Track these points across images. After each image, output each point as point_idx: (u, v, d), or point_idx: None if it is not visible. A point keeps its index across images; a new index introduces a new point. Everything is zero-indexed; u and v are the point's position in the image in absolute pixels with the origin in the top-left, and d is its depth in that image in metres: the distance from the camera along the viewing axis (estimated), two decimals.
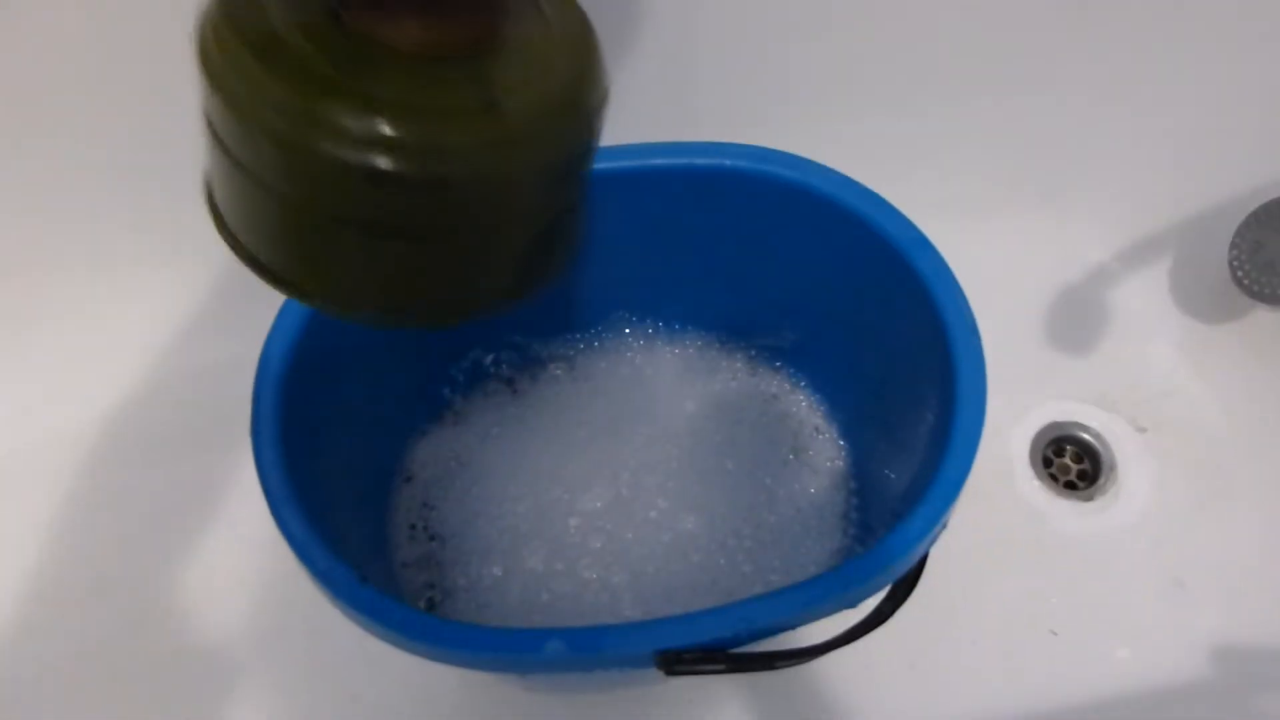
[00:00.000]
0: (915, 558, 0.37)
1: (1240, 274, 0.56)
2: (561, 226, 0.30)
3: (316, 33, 0.25)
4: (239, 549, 0.56)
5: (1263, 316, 0.60)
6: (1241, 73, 0.59)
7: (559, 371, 0.56)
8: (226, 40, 0.25)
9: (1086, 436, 0.62)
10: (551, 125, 0.27)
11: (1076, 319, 0.65)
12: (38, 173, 0.57)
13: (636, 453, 0.54)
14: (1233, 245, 0.56)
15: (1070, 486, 0.61)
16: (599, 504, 0.52)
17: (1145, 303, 0.65)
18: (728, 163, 0.44)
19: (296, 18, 0.25)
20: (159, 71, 0.54)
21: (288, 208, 0.26)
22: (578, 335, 0.56)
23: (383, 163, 0.24)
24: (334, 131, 0.24)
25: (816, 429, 0.56)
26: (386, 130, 0.24)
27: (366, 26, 0.25)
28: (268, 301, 0.45)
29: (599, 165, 0.30)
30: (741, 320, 0.55)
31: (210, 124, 0.26)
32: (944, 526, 0.37)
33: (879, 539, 0.36)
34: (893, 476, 0.48)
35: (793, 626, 0.37)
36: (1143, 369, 0.64)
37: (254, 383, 0.39)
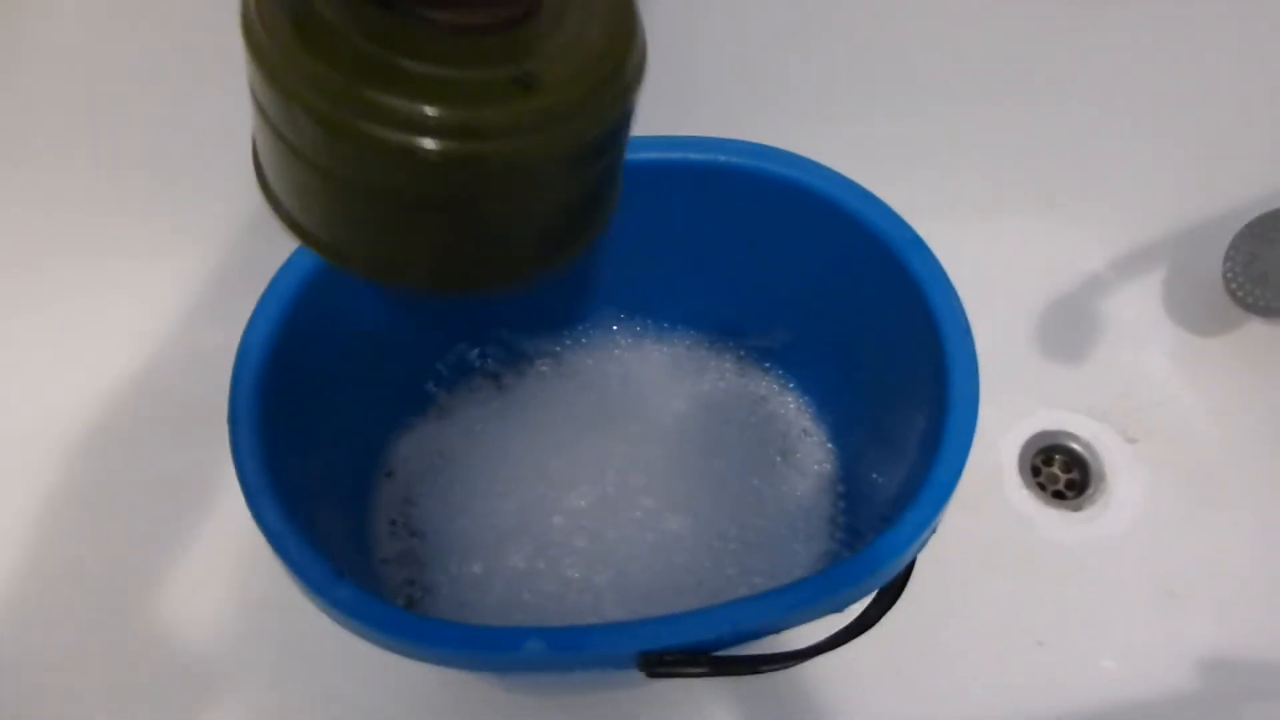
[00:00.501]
0: (903, 563, 0.37)
1: (1234, 286, 0.55)
2: (599, 191, 0.31)
3: (358, 9, 0.25)
4: (222, 543, 0.55)
5: (1256, 328, 0.60)
6: (1240, 87, 0.59)
7: (545, 368, 0.55)
8: (269, 15, 0.25)
9: (1076, 446, 0.62)
10: (590, 97, 0.26)
11: (1069, 327, 0.65)
12: (31, 160, 0.56)
13: (623, 451, 0.53)
14: (1227, 257, 0.56)
15: (1058, 496, 0.61)
16: (584, 502, 0.51)
17: (1139, 312, 0.65)
18: (723, 159, 0.44)
19: None
20: (154, 61, 0.53)
21: (329, 180, 0.27)
22: (564, 331, 0.56)
23: (423, 143, 0.24)
24: (373, 111, 0.24)
25: (805, 431, 0.55)
26: (426, 110, 0.24)
27: (407, 2, 0.25)
28: (260, 291, 0.44)
29: None
30: (732, 319, 0.55)
31: (254, 95, 0.26)
32: (933, 531, 0.37)
33: (867, 543, 0.36)
34: (881, 480, 0.48)
35: (778, 630, 0.36)
36: (1135, 378, 0.64)
37: (232, 371, 0.38)
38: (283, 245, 0.45)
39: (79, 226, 0.60)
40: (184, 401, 0.59)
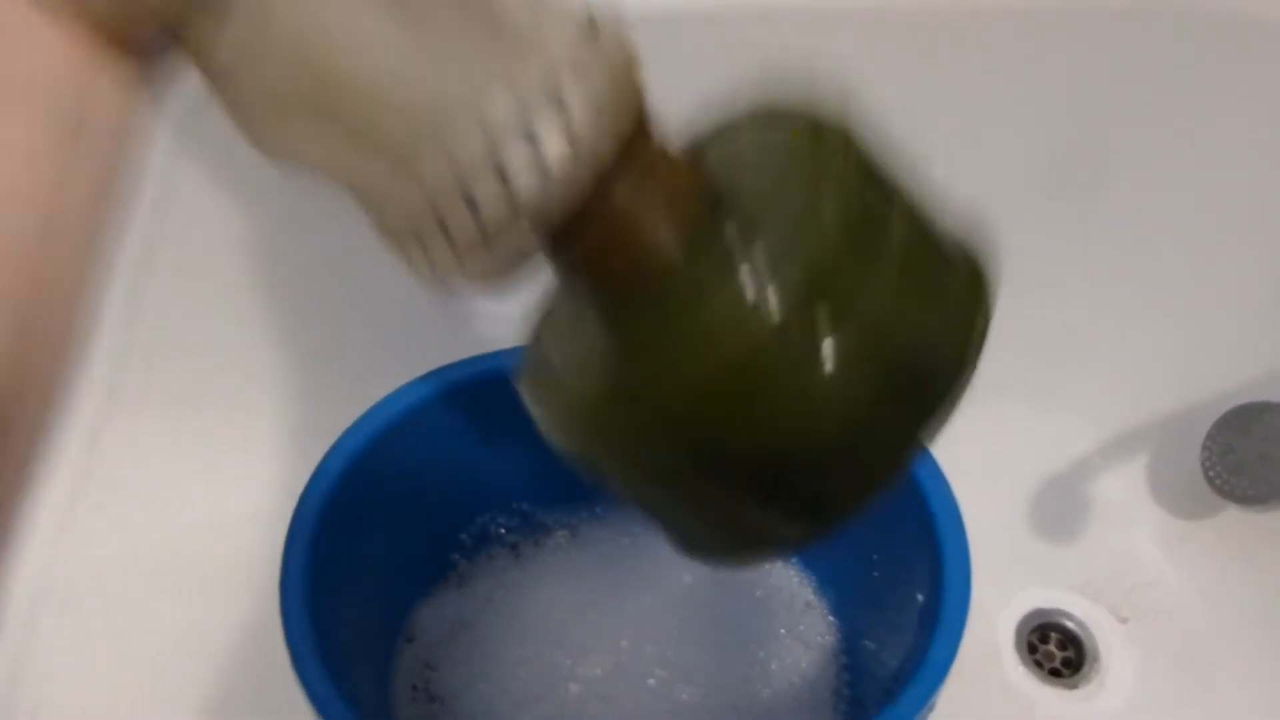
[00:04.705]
0: None
1: (1212, 474, 0.58)
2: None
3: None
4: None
5: (1236, 514, 0.63)
6: (1217, 284, 0.63)
7: (562, 539, 0.58)
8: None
9: (1070, 624, 0.63)
10: None
11: (1061, 508, 0.68)
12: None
13: (636, 621, 0.55)
14: (1204, 447, 0.59)
15: (1055, 674, 0.62)
16: (599, 671, 0.53)
17: (1126, 495, 0.68)
18: None
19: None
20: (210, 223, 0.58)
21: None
22: (582, 505, 0.58)
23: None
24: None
25: (808, 604, 0.57)
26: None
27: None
28: (295, 460, 0.47)
29: None
30: None
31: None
32: (931, 709, 0.39)
33: (869, 717, 0.38)
34: (883, 654, 0.50)
35: None
36: (1125, 559, 0.66)
37: (285, 539, 0.41)
38: (327, 416, 0.48)
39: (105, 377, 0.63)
40: (198, 561, 0.61)
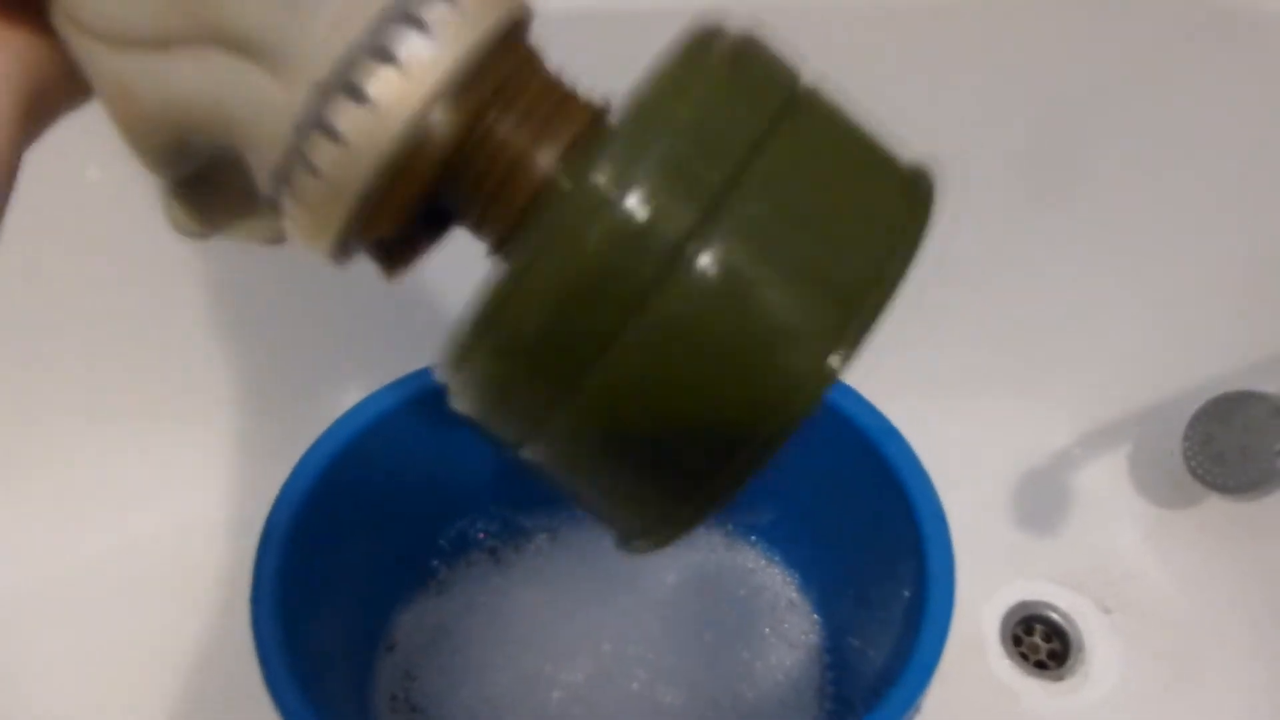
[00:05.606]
0: None
1: (1193, 464, 0.58)
2: None
3: None
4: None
5: (1219, 503, 0.63)
6: (1195, 277, 0.63)
7: (542, 542, 0.58)
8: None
9: (1055, 616, 0.63)
10: None
11: (1043, 500, 0.68)
12: (40, 319, 0.59)
13: (618, 623, 0.55)
14: (1185, 437, 0.59)
15: (1040, 665, 0.62)
16: (581, 675, 0.52)
17: (1108, 486, 0.68)
18: None
19: None
20: (168, 237, 0.57)
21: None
22: (561, 507, 0.58)
23: None
24: None
25: (791, 603, 0.57)
26: None
27: None
28: (263, 465, 0.47)
29: None
30: None
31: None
32: (917, 711, 0.38)
33: (856, 717, 0.38)
34: (868, 652, 0.49)
35: None
36: (1108, 550, 0.66)
37: (257, 551, 0.40)
38: (293, 422, 0.48)
39: (87, 388, 0.62)
40: (175, 567, 0.61)
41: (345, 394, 0.47)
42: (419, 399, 0.47)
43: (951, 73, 0.58)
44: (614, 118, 0.23)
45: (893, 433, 0.44)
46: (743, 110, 0.22)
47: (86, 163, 0.52)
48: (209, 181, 0.24)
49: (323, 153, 0.20)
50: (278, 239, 0.25)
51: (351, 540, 0.48)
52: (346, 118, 0.20)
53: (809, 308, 0.22)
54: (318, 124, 0.20)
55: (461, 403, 0.24)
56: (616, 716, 0.51)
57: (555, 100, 0.23)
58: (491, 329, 0.22)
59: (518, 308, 0.21)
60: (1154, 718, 0.59)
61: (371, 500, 0.48)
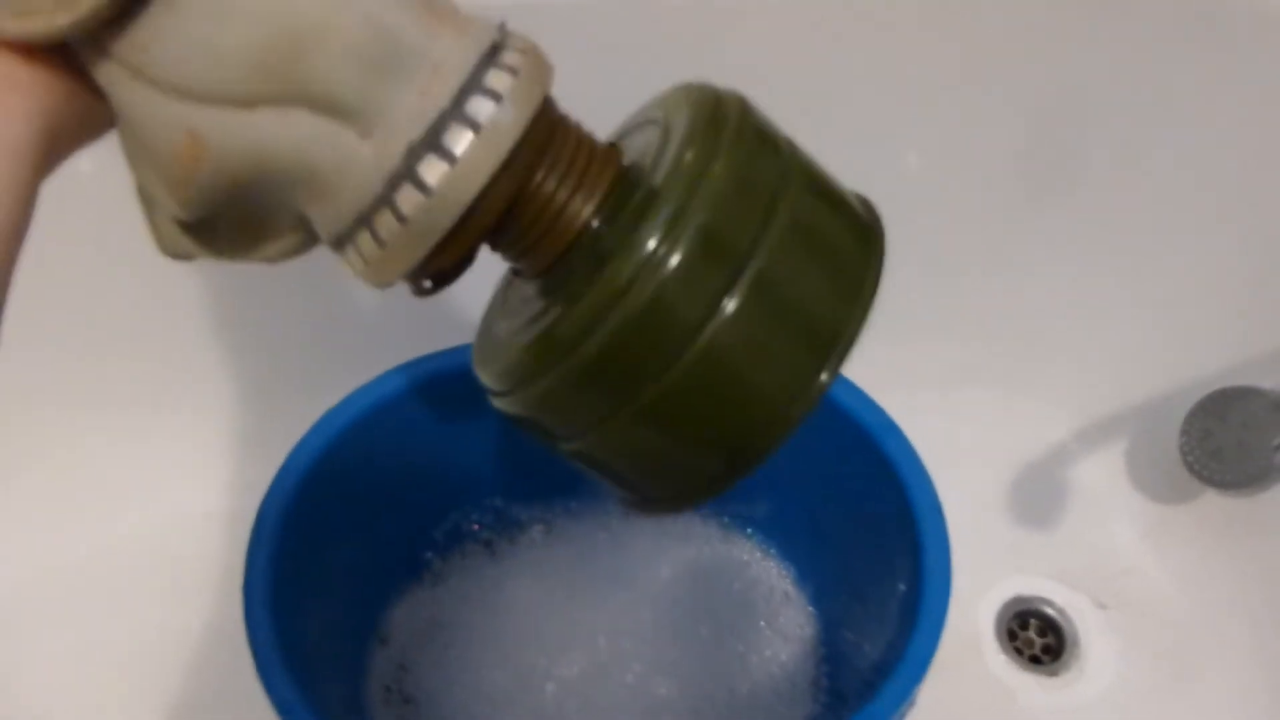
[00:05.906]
0: None
1: (1190, 460, 0.58)
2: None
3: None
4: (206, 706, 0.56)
5: (1216, 499, 0.63)
6: (1192, 271, 0.63)
7: (537, 535, 0.57)
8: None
9: (1050, 611, 0.63)
10: None
11: (1039, 495, 0.68)
12: (40, 310, 0.58)
13: (613, 617, 0.54)
14: (1182, 432, 0.59)
15: (1035, 660, 0.62)
16: (576, 669, 0.52)
17: (1105, 482, 0.68)
18: None
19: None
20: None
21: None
22: (556, 500, 0.58)
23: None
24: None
25: (787, 595, 0.57)
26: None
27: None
28: (255, 458, 0.46)
29: None
30: None
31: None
32: (911, 704, 0.38)
33: (850, 709, 0.38)
34: (863, 645, 0.49)
35: None
36: (1104, 545, 0.66)
37: (249, 545, 0.40)
38: (284, 414, 0.47)
39: (88, 378, 0.61)
40: (171, 560, 0.60)
41: (338, 388, 0.47)
42: (416, 388, 0.47)
43: (951, 72, 0.58)
44: (628, 162, 0.29)
45: (891, 427, 0.44)
46: (756, 176, 0.27)
47: (79, 155, 0.52)
48: (223, 217, 0.27)
49: (411, 202, 0.24)
50: (273, 261, 0.30)
51: (344, 532, 0.47)
52: (434, 172, 0.24)
53: (805, 339, 0.28)
54: (409, 177, 0.24)
55: (513, 408, 0.29)
56: (611, 709, 0.51)
57: (587, 154, 0.28)
58: (559, 358, 0.27)
59: (584, 342, 0.26)
60: (1149, 713, 0.59)
61: (364, 493, 0.48)
